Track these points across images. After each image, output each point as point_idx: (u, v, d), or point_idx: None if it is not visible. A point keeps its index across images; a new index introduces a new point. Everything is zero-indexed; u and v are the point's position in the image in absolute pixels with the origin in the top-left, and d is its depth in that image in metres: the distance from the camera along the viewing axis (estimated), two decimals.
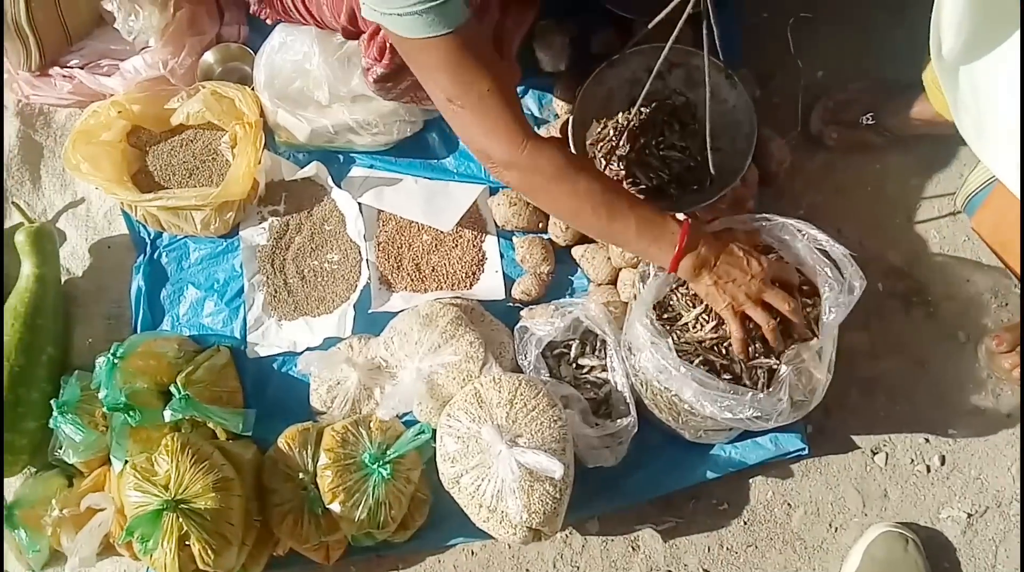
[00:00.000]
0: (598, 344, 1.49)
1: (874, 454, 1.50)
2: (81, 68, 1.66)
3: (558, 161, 1.13)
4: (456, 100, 1.09)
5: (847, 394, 1.51)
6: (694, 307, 1.29)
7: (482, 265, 1.62)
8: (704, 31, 1.22)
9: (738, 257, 1.18)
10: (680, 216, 1.21)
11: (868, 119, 1.56)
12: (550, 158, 1.12)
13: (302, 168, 1.63)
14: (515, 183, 1.19)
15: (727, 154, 1.46)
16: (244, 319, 1.59)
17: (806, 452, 1.45)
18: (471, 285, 1.60)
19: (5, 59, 1.66)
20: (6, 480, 1.51)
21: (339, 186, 1.64)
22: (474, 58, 1.06)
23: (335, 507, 1.33)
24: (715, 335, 1.26)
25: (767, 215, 1.28)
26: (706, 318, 1.28)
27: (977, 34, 0.98)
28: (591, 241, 1.56)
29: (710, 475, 1.45)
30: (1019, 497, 1.47)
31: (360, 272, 1.59)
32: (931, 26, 1.03)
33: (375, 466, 1.34)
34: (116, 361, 1.40)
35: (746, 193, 1.50)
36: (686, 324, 1.29)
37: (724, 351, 1.28)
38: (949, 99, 1.07)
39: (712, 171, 1.42)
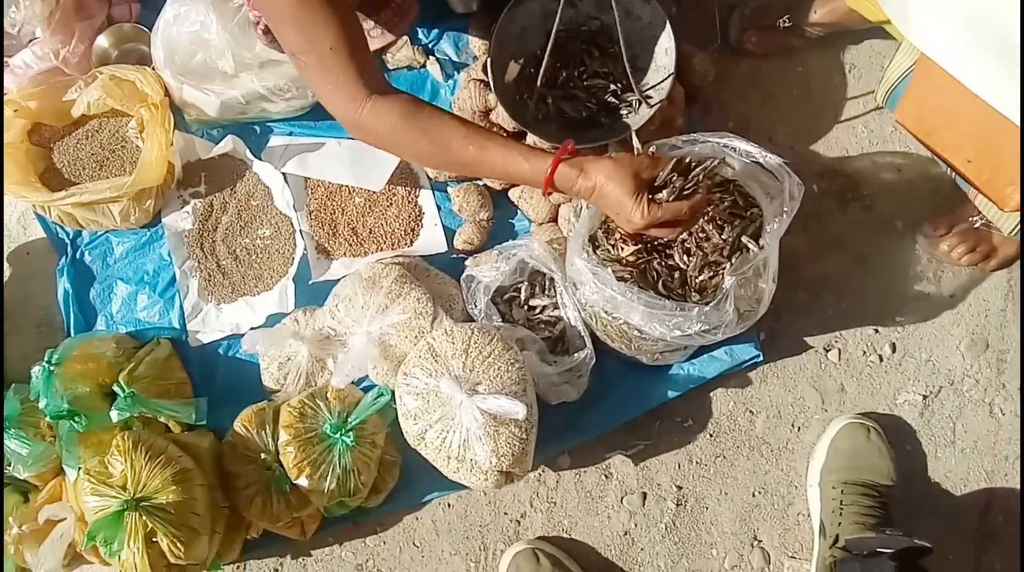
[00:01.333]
0: (547, 283, 1.48)
1: (827, 351, 1.53)
2: None
3: (397, 121, 1.10)
4: (301, 55, 1.08)
5: (794, 296, 1.53)
6: (613, 238, 1.30)
7: (420, 220, 1.58)
8: None
9: (615, 210, 1.10)
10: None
11: (785, 21, 1.56)
12: (387, 120, 1.11)
13: (217, 144, 1.56)
14: (362, 140, 1.18)
15: (649, 72, 1.44)
16: (181, 308, 1.54)
17: (761, 358, 1.47)
18: (411, 242, 1.57)
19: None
20: None
21: (259, 158, 1.58)
22: (320, 13, 1.04)
23: (302, 481, 1.31)
24: (636, 256, 1.27)
25: (696, 136, 1.27)
26: (625, 242, 1.28)
27: None
28: None
29: (671, 394, 1.46)
30: (973, 374, 1.52)
31: (295, 244, 1.55)
32: None
33: (337, 435, 1.32)
34: (52, 368, 1.35)
35: (674, 112, 1.49)
36: (608, 248, 1.29)
37: (656, 272, 1.28)
38: (899, 25, 1.06)
39: (637, 93, 1.41)
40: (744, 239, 1.31)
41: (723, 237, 1.31)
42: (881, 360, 1.53)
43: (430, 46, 1.61)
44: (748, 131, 1.59)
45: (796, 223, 1.26)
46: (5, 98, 1.52)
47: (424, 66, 1.61)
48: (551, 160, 1.09)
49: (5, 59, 1.55)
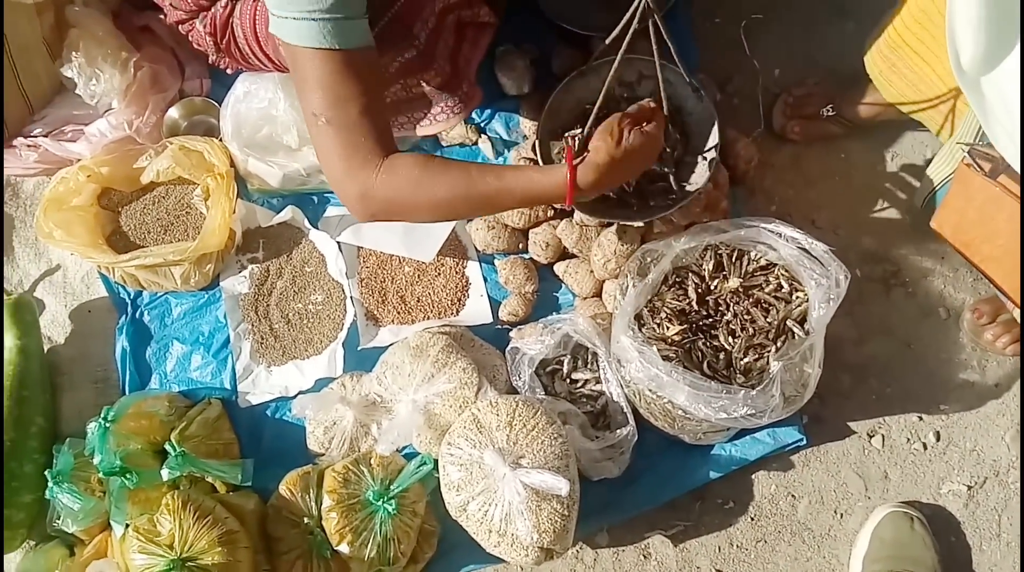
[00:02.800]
0: (589, 357, 1.50)
1: (870, 437, 1.52)
2: (45, 136, 1.65)
3: (414, 168, 1.11)
4: (322, 115, 1.08)
5: (838, 381, 1.53)
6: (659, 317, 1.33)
7: (466, 290, 1.62)
8: (653, 41, 1.25)
9: (610, 150, 1.19)
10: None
11: (828, 111, 1.60)
12: (405, 169, 1.11)
13: (278, 213, 1.63)
14: (372, 209, 1.14)
15: (692, 164, 1.48)
16: (233, 369, 1.58)
17: (804, 442, 1.47)
18: (457, 311, 1.61)
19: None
20: (7, 555, 1.49)
21: (316, 227, 1.64)
22: (357, 80, 1.06)
23: (343, 548, 1.32)
24: (682, 336, 1.30)
25: (742, 220, 1.31)
26: (671, 321, 1.31)
27: (996, 42, 0.96)
28: (572, 256, 1.58)
29: (713, 475, 1.46)
30: (1018, 465, 1.50)
31: (345, 310, 1.60)
32: (947, 39, 1.02)
33: (380, 503, 1.34)
34: (108, 425, 1.39)
35: (719, 195, 1.53)
36: (653, 327, 1.31)
37: (702, 352, 1.30)
38: (976, 109, 1.05)
39: (674, 184, 1.44)
40: (790, 323, 1.33)
41: (768, 320, 1.33)
42: (925, 448, 1.51)
43: (482, 125, 1.68)
44: (791, 215, 1.63)
45: (840, 307, 1.28)
46: (79, 164, 1.60)
47: (476, 143, 1.67)
48: (566, 166, 1.15)
49: (82, 127, 1.65)
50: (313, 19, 1.01)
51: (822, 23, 1.73)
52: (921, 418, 1.53)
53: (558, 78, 1.63)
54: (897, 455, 1.51)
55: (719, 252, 1.39)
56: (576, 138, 1.52)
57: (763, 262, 1.39)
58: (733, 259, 1.39)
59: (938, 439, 1.52)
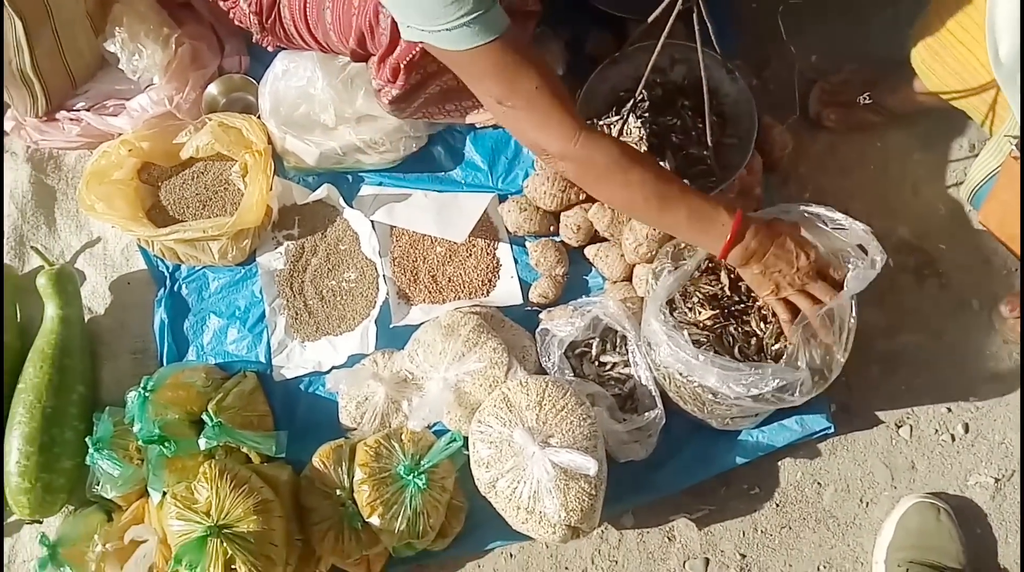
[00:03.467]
0: (618, 340, 1.51)
1: (898, 427, 1.52)
2: (88, 110, 1.68)
3: (611, 153, 1.15)
4: (507, 101, 1.12)
5: (868, 370, 1.53)
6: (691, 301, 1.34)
7: (497, 272, 1.64)
8: (696, 25, 1.25)
9: (788, 250, 1.21)
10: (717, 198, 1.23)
11: (865, 99, 1.59)
12: (603, 150, 1.15)
13: (313, 191, 1.65)
14: (570, 174, 1.21)
15: (729, 146, 1.48)
16: (268, 343, 1.61)
17: (831, 430, 1.47)
18: (488, 292, 1.62)
19: (10, 106, 1.68)
20: (47, 520, 1.54)
21: (350, 206, 1.66)
22: (520, 59, 1.10)
23: (374, 520, 1.35)
24: (713, 321, 1.31)
25: (783, 205, 1.31)
26: (703, 306, 1.32)
27: None
28: (603, 240, 1.59)
29: (739, 460, 1.47)
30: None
31: (378, 288, 1.62)
32: (986, 31, 1.01)
33: (410, 477, 1.36)
34: (147, 394, 1.42)
35: (752, 181, 1.53)
36: (684, 311, 1.33)
37: (732, 337, 1.31)
38: (1012, 102, 1.05)
39: (712, 162, 1.44)
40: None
41: None
42: (953, 439, 1.51)
43: None
44: (824, 203, 1.60)
45: (871, 297, 1.28)
46: (121, 138, 1.63)
47: None
48: (737, 211, 1.17)
49: (124, 102, 1.68)
50: (463, 24, 1.04)
51: (862, 9, 1.71)
52: (950, 409, 1.53)
53: (592, 60, 1.64)
54: (925, 446, 1.51)
55: None
56: (611, 126, 1.53)
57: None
58: None
59: (967, 431, 1.52)
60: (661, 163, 1.50)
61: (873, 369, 1.54)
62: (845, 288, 1.24)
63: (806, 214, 1.33)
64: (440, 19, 1.04)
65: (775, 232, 1.21)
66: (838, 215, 1.28)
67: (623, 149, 1.17)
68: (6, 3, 1.47)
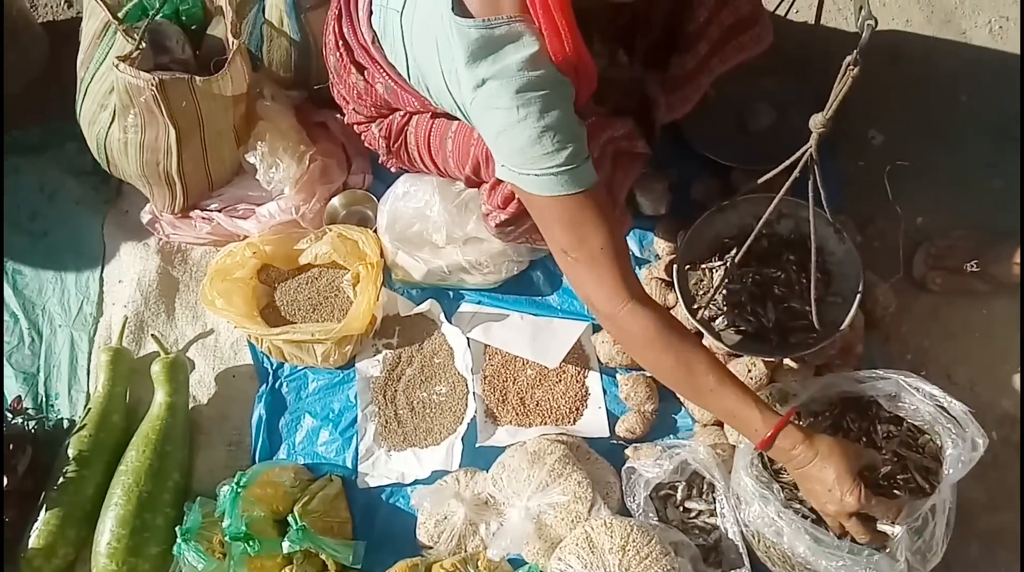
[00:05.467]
0: (705, 487, 1.49)
1: None
2: (219, 211, 1.81)
3: (651, 330, 1.18)
4: (571, 252, 1.18)
5: (966, 549, 1.46)
6: None
7: (585, 401, 1.65)
8: (810, 191, 1.28)
9: (828, 487, 1.15)
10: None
11: (973, 266, 1.58)
12: (644, 325, 1.18)
13: (417, 305, 1.72)
14: (611, 334, 1.27)
15: (832, 303, 1.48)
16: (356, 449, 1.65)
17: None
18: (575, 421, 1.63)
19: (149, 200, 1.83)
20: None
21: (449, 321, 1.72)
22: (593, 216, 1.15)
23: None
24: None
25: (878, 372, 1.30)
26: None
27: None
28: None
29: None
30: None
31: (467, 405, 1.65)
32: None
33: None
34: (240, 490, 1.46)
35: (853, 338, 1.52)
36: (778, 468, 1.31)
37: None
38: None
39: (814, 319, 1.44)
40: (919, 479, 1.30)
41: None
42: None
43: None
44: (926, 366, 1.59)
45: (972, 471, 1.24)
46: (247, 240, 1.75)
47: None
48: (780, 418, 1.16)
49: (254, 207, 1.80)
50: (552, 173, 1.11)
51: (971, 177, 1.73)
52: None
53: (696, 204, 1.69)
54: None
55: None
56: (713, 270, 1.56)
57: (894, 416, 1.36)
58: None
59: None
60: (760, 315, 1.51)
61: (973, 547, 1.47)
62: (946, 474, 1.21)
63: (903, 383, 1.31)
64: (533, 165, 1.11)
65: (821, 454, 1.15)
66: (937, 391, 1.27)
67: (664, 331, 1.18)
68: (166, 114, 1.62)
